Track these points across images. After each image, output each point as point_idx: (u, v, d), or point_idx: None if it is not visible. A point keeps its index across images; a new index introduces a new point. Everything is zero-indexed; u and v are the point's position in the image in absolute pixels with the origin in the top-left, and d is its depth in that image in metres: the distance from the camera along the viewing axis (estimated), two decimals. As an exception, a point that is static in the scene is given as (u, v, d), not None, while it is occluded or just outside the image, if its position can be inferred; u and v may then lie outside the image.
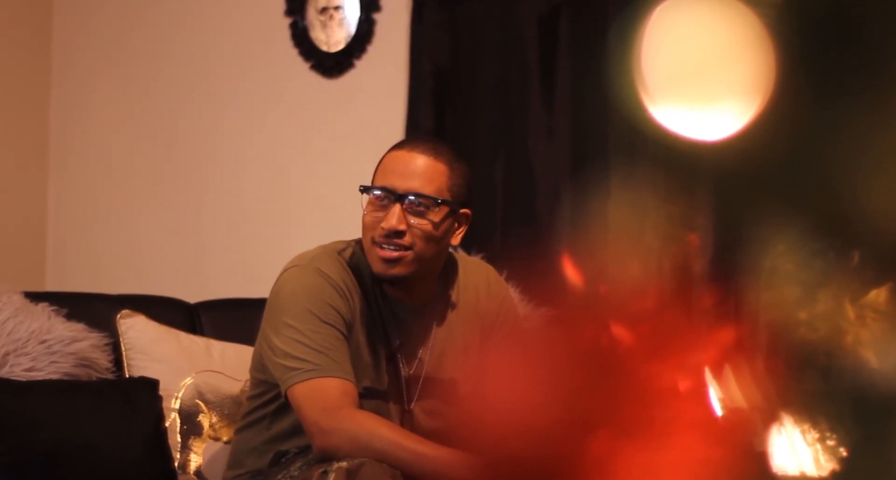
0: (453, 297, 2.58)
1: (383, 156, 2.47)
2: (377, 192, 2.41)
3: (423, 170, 2.41)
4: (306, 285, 2.41)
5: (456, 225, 2.47)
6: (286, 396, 2.37)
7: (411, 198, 2.39)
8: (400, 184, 2.39)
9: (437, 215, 2.40)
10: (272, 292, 2.46)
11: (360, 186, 2.43)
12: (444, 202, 2.41)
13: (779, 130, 0.84)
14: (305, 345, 2.35)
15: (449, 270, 2.59)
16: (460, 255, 2.76)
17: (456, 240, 2.49)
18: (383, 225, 2.38)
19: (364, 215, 2.43)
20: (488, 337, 2.58)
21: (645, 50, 0.87)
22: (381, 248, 2.39)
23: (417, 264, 2.41)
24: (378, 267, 2.41)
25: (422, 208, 2.39)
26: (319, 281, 2.40)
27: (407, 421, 2.49)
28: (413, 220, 2.39)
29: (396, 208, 2.38)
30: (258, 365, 2.52)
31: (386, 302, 2.48)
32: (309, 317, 2.37)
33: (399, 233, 2.38)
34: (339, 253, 2.47)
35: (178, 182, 4.09)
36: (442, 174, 2.42)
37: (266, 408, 2.52)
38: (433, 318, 2.54)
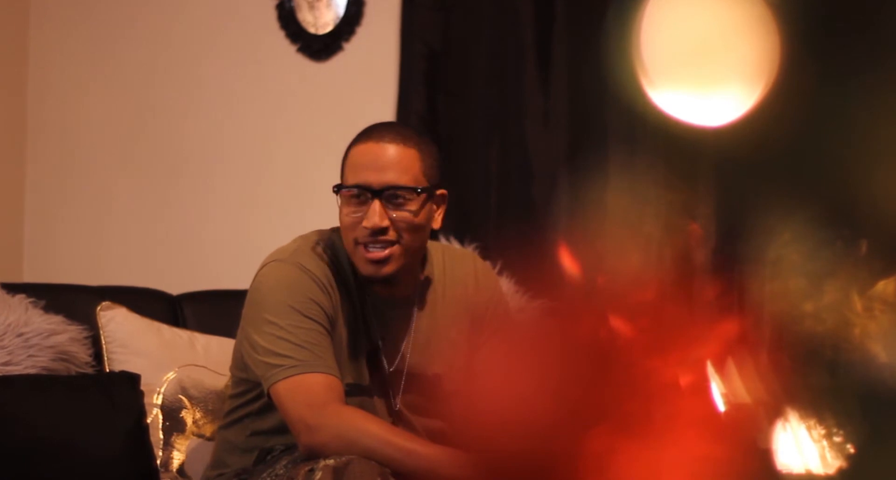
0: (438, 289, 2.57)
1: (348, 151, 2.45)
2: (353, 191, 2.40)
3: (396, 160, 2.39)
4: (287, 280, 2.40)
5: (434, 207, 2.46)
6: (269, 394, 2.37)
7: (390, 191, 2.37)
8: (375, 179, 2.38)
9: (416, 203, 2.39)
10: (252, 288, 2.45)
11: (334, 187, 2.41)
12: (422, 190, 2.39)
13: (784, 115, 0.83)
14: (288, 341, 2.35)
15: (432, 261, 2.58)
16: (445, 246, 2.75)
17: (437, 223, 2.48)
18: (365, 224, 2.36)
19: (341, 216, 2.41)
20: (478, 331, 2.58)
21: (645, 31, 0.87)
22: (367, 249, 2.38)
23: (406, 257, 2.41)
24: (366, 270, 2.40)
25: (401, 200, 2.38)
26: (300, 275, 2.40)
27: (392, 418, 2.48)
28: (394, 214, 2.37)
29: (376, 205, 2.36)
30: (239, 364, 2.52)
31: (367, 297, 2.48)
32: (290, 313, 2.37)
33: (383, 230, 2.37)
34: (318, 244, 2.46)
35: (160, 170, 4.08)
36: (415, 160, 2.40)
37: (248, 407, 2.52)
38: (416, 312, 2.54)
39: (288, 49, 3.89)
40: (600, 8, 3.33)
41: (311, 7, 3.85)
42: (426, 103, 3.64)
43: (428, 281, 2.56)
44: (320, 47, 3.87)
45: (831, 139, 0.83)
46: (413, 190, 2.38)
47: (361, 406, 2.39)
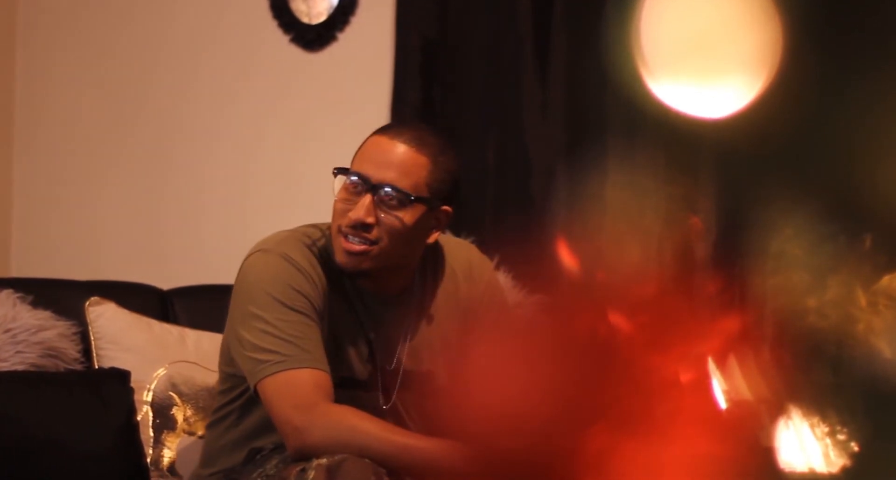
0: (431, 286, 2.56)
1: (365, 140, 2.44)
2: (351, 178, 2.38)
3: (401, 161, 2.36)
4: (271, 270, 2.39)
5: (432, 222, 2.42)
6: (255, 391, 2.36)
7: (385, 190, 2.35)
8: (374, 173, 2.36)
9: (410, 212, 2.36)
10: (237, 280, 2.44)
11: (334, 169, 2.40)
12: (418, 199, 2.36)
13: (785, 107, 0.83)
14: (273, 336, 2.34)
15: (429, 259, 2.56)
16: (443, 237, 2.72)
17: (431, 238, 2.46)
18: (351, 215, 2.35)
19: (336, 201, 2.40)
20: (470, 325, 2.56)
21: (645, 21, 0.87)
22: (346, 239, 2.36)
23: (382, 260, 2.38)
24: (340, 258, 2.38)
25: (394, 202, 2.35)
26: (284, 265, 2.39)
27: (388, 416, 2.47)
28: (383, 215, 2.35)
29: (367, 199, 2.34)
30: (226, 359, 2.50)
31: (356, 293, 2.47)
32: (275, 305, 2.36)
33: (366, 226, 2.35)
34: (307, 237, 2.45)
35: (149, 163, 4.08)
36: (422, 168, 2.37)
37: (236, 403, 2.51)
38: (408, 309, 2.52)
39: (281, 39, 3.89)
40: (599, -3, 3.34)
41: (305, -4, 3.84)
42: (421, 95, 3.64)
43: (423, 280, 2.55)
44: (313, 37, 3.86)
45: (834, 131, 0.83)
46: (407, 196, 2.35)
47: (352, 401, 2.38)
